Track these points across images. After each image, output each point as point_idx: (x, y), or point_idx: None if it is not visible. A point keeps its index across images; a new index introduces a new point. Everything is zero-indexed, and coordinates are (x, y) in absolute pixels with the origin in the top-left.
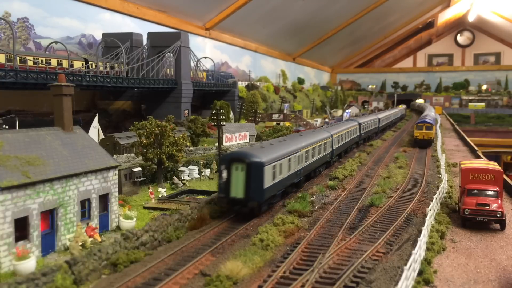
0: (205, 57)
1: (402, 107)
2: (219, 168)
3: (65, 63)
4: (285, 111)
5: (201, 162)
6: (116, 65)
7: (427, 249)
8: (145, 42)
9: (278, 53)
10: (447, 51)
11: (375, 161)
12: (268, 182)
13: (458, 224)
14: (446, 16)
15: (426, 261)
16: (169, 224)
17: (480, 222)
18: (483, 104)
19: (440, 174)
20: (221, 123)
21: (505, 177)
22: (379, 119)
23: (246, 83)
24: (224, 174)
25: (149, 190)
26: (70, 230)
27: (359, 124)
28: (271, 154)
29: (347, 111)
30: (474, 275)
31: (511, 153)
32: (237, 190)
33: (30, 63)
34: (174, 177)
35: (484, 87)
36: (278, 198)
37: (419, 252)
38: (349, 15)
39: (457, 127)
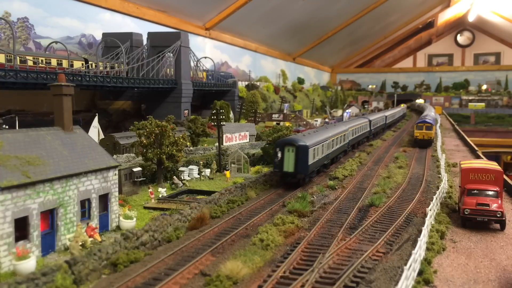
0: (205, 57)
1: (403, 106)
2: (274, 150)
3: (65, 63)
4: (285, 111)
5: (201, 162)
6: (116, 65)
7: (427, 249)
8: (145, 42)
9: (278, 53)
10: (447, 51)
11: (375, 161)
12: (310, 160)
13: (458, 224)
14: (446, 16)
15: (426, 261)
16: (169, 224)
17: (480, 222)
18: (483, 104)
19: (440, 174)
20: (221, 123)
21: (505, 177)
22: (385, 117)
23: (246, 83)
24: (279, 155)
25: (149, 190)
26: (70, 230)
27: (370, 120)
28: (312, 140)
29: (347, 111)
30: (474, 275)
31: (511, 153)
32: (289, 166)
33: (30, 63)
34: (174, 177)
35: (484, 87)
36: (314, 174)
37: (419, 252)
38: (349, 15)
39: (457, 127)
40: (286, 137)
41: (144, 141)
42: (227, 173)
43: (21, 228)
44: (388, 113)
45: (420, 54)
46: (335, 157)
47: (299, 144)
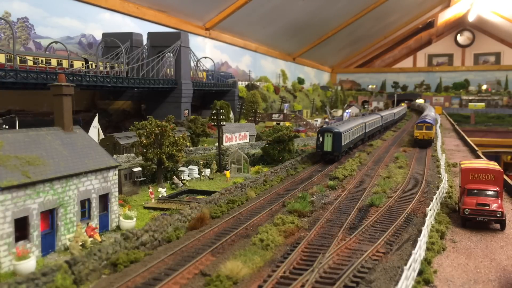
0: (205, 57)
1: (404, 105)
2: (317, 136)
3: (65, 63)
4: (285, 111)
5: (201, 162)
6: (116, 65)
7: (427, 249)
8: (145, 42)
9: (278, 53)
10: (447, 51)
11: (375, 161)
12: (343, 142)
13: (458, 224)
14: (446, 16)
15: (426, 261)
16: (169, 224)
17: (480, 222)
18: (483, 104)
19: (440, 174)
20: (221, 123)
21: (505, 177)
22: (394, 113)
23: (246, 83)
24: (321, 139)
25: (149, 190)
26: (70, 230)
27: (381, 116)
28: (343, 128)
29: (347, 111)
30: (474, 275)
31: (511, 153)
32: (328, 147)
33: (30, 63)
34: (174, 177)
35: (484, 87)
36: (344, 153)
37: (419, 252)
38: (349, 15)
39: (457, 127)
40: (288, 133)
41: (144, 141)
42: (227, 173)
43: (21, 228)
44: (395, 110)
45: (420, 54)
46: (357, 142)
47: (335, 131)
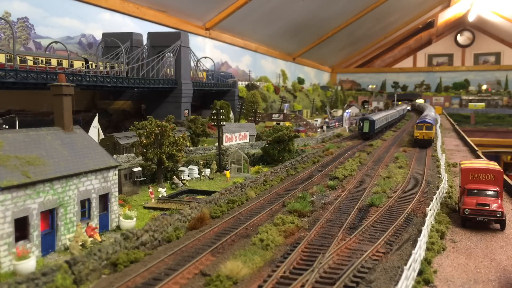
0: (205, 57)
1: (404, 105)
2: (359, 121)
3: (65, 63)
4: (285, 111)
5: (201, 162)
6: (116, 65)
7: (427, 249)
8: (145, 42)
9: (278, 53)
10: (447, 51)
11: (375, 161)
12: (376, 126)
13: (458, 224)
14: (446, 16)
15: (426, 261)
16: (169, 224)
17: (480, 222)
18: (483, 104)
19: (440, 174)
20: (221, 123)
21: (505, 177)
22: (403, 109)
23: (246, 83)
24: (361, 124)
25: (149, 190)
26: (70, 230)
27: (397, 110)
28: (376, 116)
29: (347, 111)
30: (474, 275)
31: (511, 153)
32: (366, 129)
33: (30, 63)
34: (174, 177)
35: (484, 87)
36: (375, 134)
37: (419, 252)
38: (349, 15)
39: (457, 127)
40: (288, 133)
41: (144, 141)
42: (227, 173)
43: (21, 228)
44: (403, 107)
45: (420, 54)
46: (383, 127)
47: (371, 119)
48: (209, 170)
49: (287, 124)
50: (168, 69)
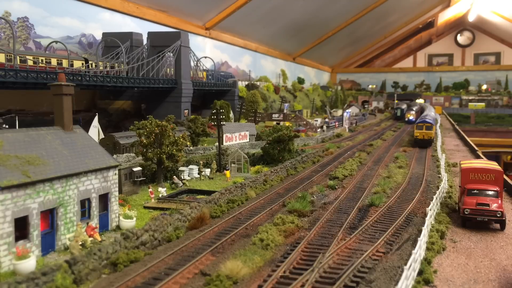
0: (205, 57)
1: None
2: (394, 109)
3: (65, 63)
4: (285, 111)
5: (201, 162)
6: (116, 64)
7: (427, 249)
8: (145, 41)
9: (278, 53)
10: (447, 51)
11: (375, 161)
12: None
13: (458, 224)
14: (446, 16)
15: (426, 261)
16: (169, 223)
17: (480, 222)
18: (483, 104)
19: (440, 174)
20: (221, 122)
21: (505, 177)
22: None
23: (246, 82)
24: (396, 112)
25: (149, 190)
26: (70, 230)
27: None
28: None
29: (347, 111)
30: (474, 275)
31: (511, 153)
32: (399, 115)
33: (30, 62)
34: (174, 176)
35: (484, 87)
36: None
37: (419, 252)
38: (349, 15)
39: (457, 127)
40: (288, 133)
41: (144, 141)
42: (227, 173)
43: (21, 227)
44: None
45: (420, 54)
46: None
47: (401, 108)
48: (209, 170)
49: (287, 124)
50: (168, 69)
